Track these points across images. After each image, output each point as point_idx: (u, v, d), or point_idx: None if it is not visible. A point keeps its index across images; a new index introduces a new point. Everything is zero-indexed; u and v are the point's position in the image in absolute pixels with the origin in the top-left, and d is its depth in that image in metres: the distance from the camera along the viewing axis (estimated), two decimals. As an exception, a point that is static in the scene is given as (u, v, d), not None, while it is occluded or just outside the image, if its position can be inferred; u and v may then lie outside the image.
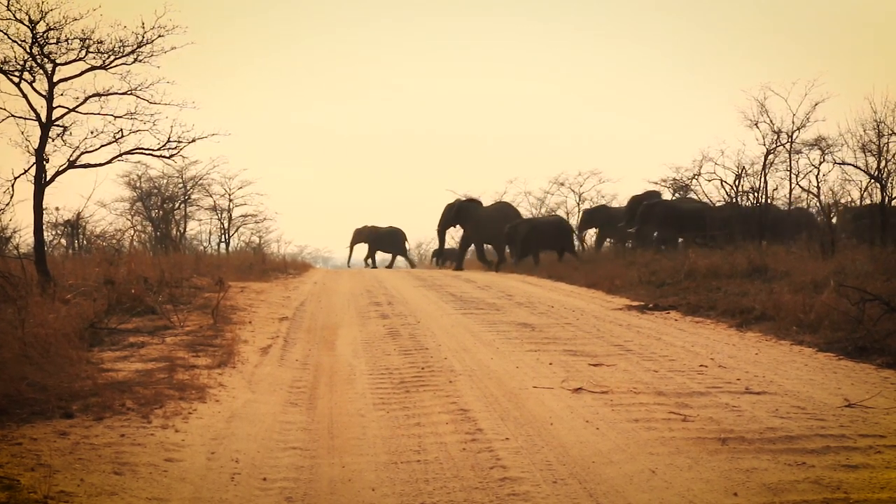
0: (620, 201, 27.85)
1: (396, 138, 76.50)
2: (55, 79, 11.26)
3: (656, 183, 26.48)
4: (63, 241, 20.29)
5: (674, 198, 25.22)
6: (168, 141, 12.27)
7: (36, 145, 11.26)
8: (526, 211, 30.89)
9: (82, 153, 11.68)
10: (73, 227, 19.80)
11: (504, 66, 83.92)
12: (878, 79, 61.23)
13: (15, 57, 10.98)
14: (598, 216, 27.01)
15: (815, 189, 21.77)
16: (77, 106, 11.51)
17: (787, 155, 21.74)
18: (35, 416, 5.43)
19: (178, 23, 11.77)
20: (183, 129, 12.33)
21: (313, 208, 61.40)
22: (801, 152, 21.74)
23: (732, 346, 8.77)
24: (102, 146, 11.90)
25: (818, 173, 21.72)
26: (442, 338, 9.48)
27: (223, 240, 27.95)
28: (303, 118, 78.67)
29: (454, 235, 31.30)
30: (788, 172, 22.10)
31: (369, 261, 32.51)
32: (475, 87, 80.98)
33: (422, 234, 44.04)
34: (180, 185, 25.85)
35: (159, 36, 11.62)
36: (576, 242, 27.31)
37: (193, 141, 12.41)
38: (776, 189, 22.84)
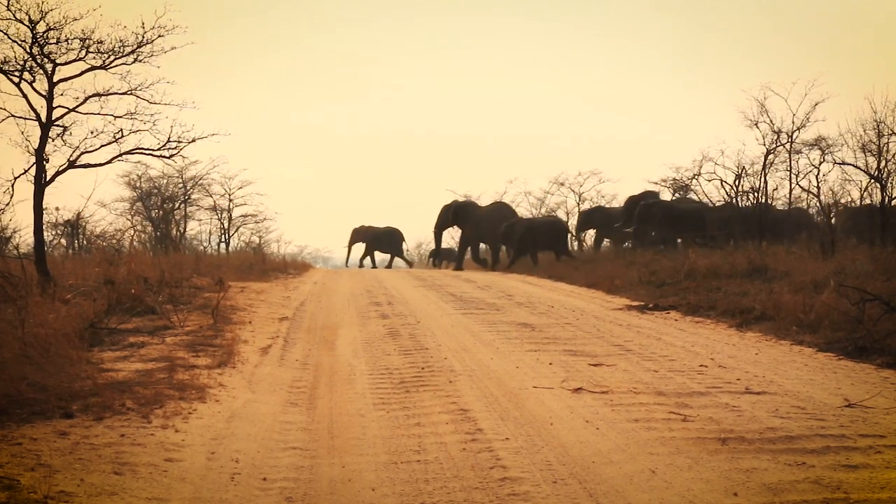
0: (620, 201, 27.87)
1: (396, 138, 76.52)
2: (55, 79, 11.27)
3: (656, 183, 26.51)
4: (63, 241, 20.30)
5: (673, 198, 25.23)
6: (168, 141, 12.28)
7: (36, 145, 11.26)
8: (526, 211, 30.96)
9: (82, 153, 11.70)
10: (73, 227, 19.80)
11: (504, 66, 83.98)
12: (878, 79, 61.25)
13: (15, 57, 10.99)
14: (595, 217, 27.01)
15: (815, 189, 21.80)
16: (77, 106, 11.52)
17: (787, 155, 21.76)
18: (35, 416, 5.43)
19: (178, 23, 11.79)
20: (183, 129, 12.35)
21: (313, 208, 61.41)
22: (801, 152, 21.76)
23: (732, 346, 8.77)
24: (102, 146, 11.91)
25: (818, 173, 21.74)
26: (442, 338, 9.48)
27: (223, 240, 27.97)
28: (303, 118, 78.70)
29: (454, 235, 31.33)
30: (788, 172, 22.12)
31: (366, 260, 32.41)
32: (475, 87, 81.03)
33: (422, 234, 44.00)
34: (180, 185, 25.86)
35: (159, 36, 11.63)
36: (572, 243, 27.38)
37: (193, 141, 12.43)
38: (776, 189, 22.87)
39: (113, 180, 30.05)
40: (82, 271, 11.71)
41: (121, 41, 11.47)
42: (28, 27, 10.95)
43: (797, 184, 22.28)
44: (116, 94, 11.76)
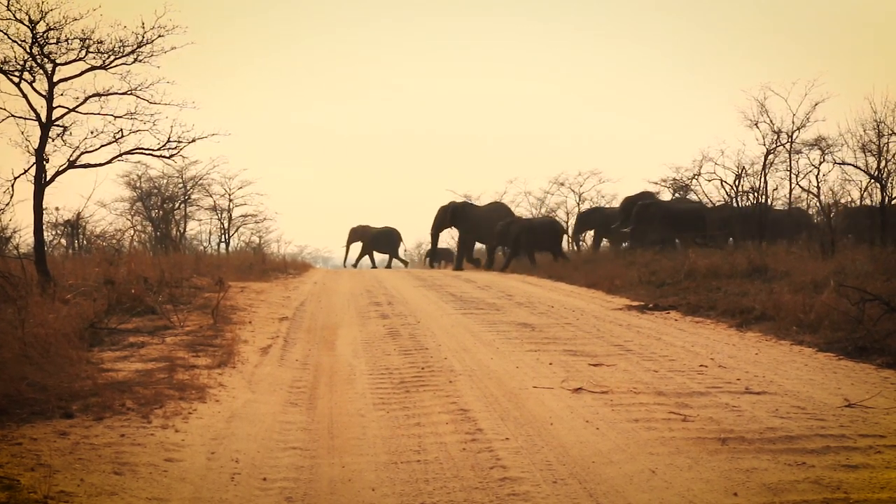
0: (619, 202, 27.88)
1: (396, 138, 76.49)
2: (55, 79, 11.27)
3: (656, 183, 26.53)
4: (63, 241, 20.32)
5: (673, 198, 25.23)
6: (168, 141, 12.28)
7: (36, 145, 11.26)
8: (526, 211, 30.97)
9: (82, 153, 11.70)
10: (73, 227, 19.81)
11: (504, 66, 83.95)
12: (878, 79, 61.27)
13: (15, 57, 10.99)
14: (593, 218, 27.00)
15: (815, 189, 21.80)
16: (77, 106, 11.52)
17: (787, 155, 21.77)
18: (35, 416, 5.43)
19: (178, 23, 11.80)
20: (183, 129, 12.35)
21: (313, 208, 61.36)
22: (801, 152, 21.79)
23: (732, 346, 8.77)
24: (102, 146, 11.91)
25: (818, 173, 21.77)
26: (442, 338, 9.48)
27: (223, 240, 27.98)
28: (303, 118, 78.66)
29: (453, 235, 31.32)
30: (788, 172, 22.14)
31: (361, 260, 32.27)
32: (475, 87, 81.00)
33: (422, 235, 43.97)
34: (180, 185, 25.87)
35: (159, 36, 11.63)
36: (571, 244, 27.39)
37: (193, 141, 12.43)
38: (776, 189, 22.89)
39: (113, 180, 30.12)
40: (82, 271, 11.71)
41: (121, 41, 11.49)
42: (28, 27, 10.96)
43: (797, 184, 22.32)
44: (116, 94, 11.77)
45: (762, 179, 21.77)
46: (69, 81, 11.40)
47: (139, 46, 11.56)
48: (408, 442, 5.27)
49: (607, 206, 28.56)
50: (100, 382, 6.27)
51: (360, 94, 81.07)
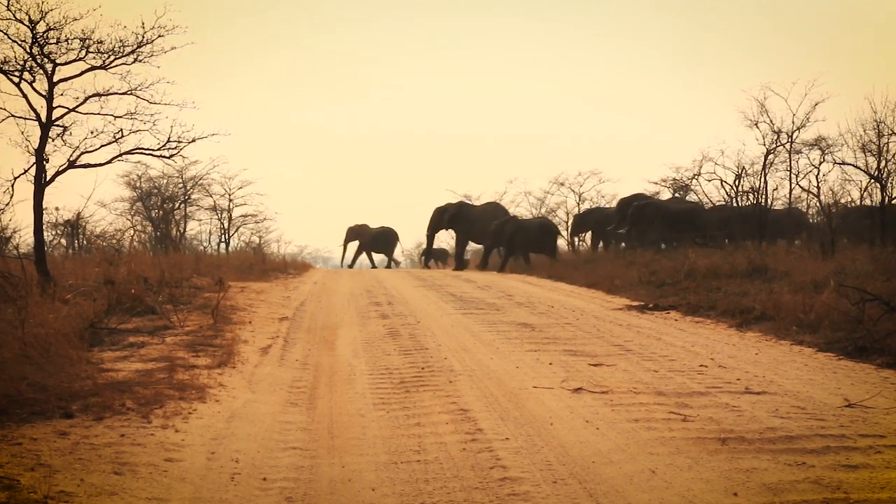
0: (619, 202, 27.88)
1: (396, 138, 76.30)
2: (55, 79, 11.27)
3: (656, 183, 26.53)
4: (63, 241, 20.32)
5: (669, 199, 25.22)
6: (168, 141, 12.28)
7: (36, 145, 11.26)
8: (525, 211, 30.99)
9: (82, 153, 11.70)
10: (73, 227, 19.81)
11: (504, 66, 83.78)
12: (878, 79, 61.22)
13: (15, 57, 11.00)
14: (590, 219, 26.97)
15: (815, 189, 21.81)
16: (77, 106, 11.52)
17: (787, 155, 21.77)
18: (35, 416, 5.43)
19: (178, 23, 11.79)
20: (183, 129, 12.35)
21: (313, 208, 61.18)
22: (801, 152, 21.79)
23: (732, 346, 8.77)
24: (102, 146, 11.91)
25: (818, 173, 21.77)
26: (442, 338, 9.48)
27: (223, 240, 27.98)
28: (303, 118, 78.45)
29: (452, 236, 31.32)
30: (788, 172, 22.14)
31: (357, 260, 32.21)
32: (475, 87, 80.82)
33: (422, 235, 43.98)
34: (180, 185, 25.87)
35: (159, 36, 11.63)
36: (569, 245, 27.37)
37: (193, 141, 12.43)
38: (776, 189, 22.88)
39: (113, 180, 30.07)
40: (82, 271, 11.71)
41: (121, 41, 11.49)
42: (28, 27, 10.96)
43: (797, 184, 22.32)
44: (116, 94, 11.77)
45: (762, 179, 21.79)
46: (69, 81, 11.42)
47: (139, 46, 11.57)
48: (408, 442, 5.28)
49: (606, 206, 28.56)
50: (100, 382, 6.27)
51: (360, 94, 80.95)
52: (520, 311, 12.14)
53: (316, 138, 75.29)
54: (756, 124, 21.41)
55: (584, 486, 4.38)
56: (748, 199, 22.17)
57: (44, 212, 11.65)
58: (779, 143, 21.50)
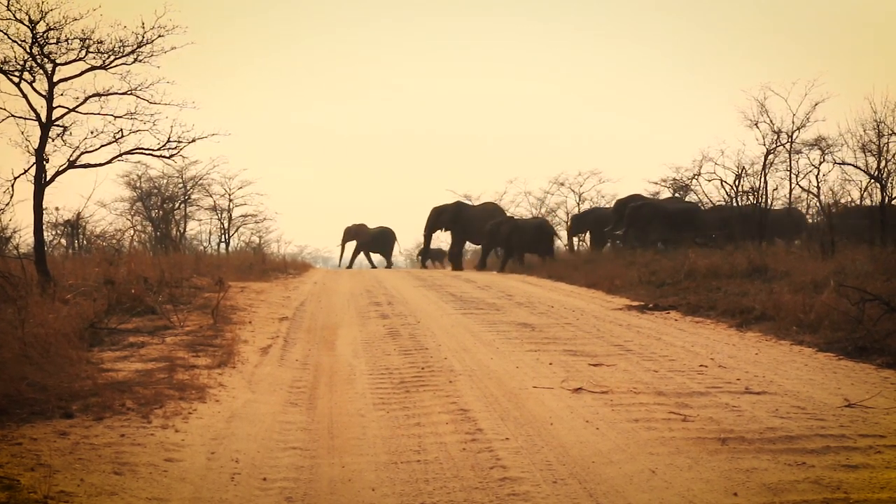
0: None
1: (396, 138, 76.34)
2: (55, 79, 11.28)
3: (656, 183, 26.53)
4: (63, 241, 20.32)
5: (667, 199, 25.22)
6: (168, 141, 12.29)
7: (36, 145, 11.27)
8: (525, 211, 31.00)
9: (82, 153, 11.71)
10: (73, 227, 19.82)
11: (504, 66, 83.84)
12: (878, 79, 61.24)
13: (15, 57, 11.00)
14: (588, 219, 26.95)
15: (815, 189, 21.81)
16: (77, 106, 11.52)
17: (787, 155, 21.78)
18: (35, 416, 5.43)
19: (178, 23, 11.81)
20: (183, 129, 12.36)
21: (313, 208, 61.24)
22: (801, 152, 21.81)
23: (732, 346, 8.77)
24: (102, 146, 11.92)
25: (818, 173, 21.78)
26: (442, 338, 9.48)
27: (223, 240, 27.99)
28: (303, 118, 78.50)
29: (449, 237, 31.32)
30: (788, 172, 22.15)
31: (356, 260, 32.16)
32: (475, 87, 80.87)
33: (421, 235, 43.98)
34: (180, 185, 25.89)
35: (159, 36, 11.64)
36: (568, 245, 27.36)
37: (193, 141, 12.44)
38: (776, 189, 22.88)
39: (113, 180, 30.10)
40: (82, 271, 11.71)
41: (121, 41, 11.50)
42: (28, 27, 10.97)
43: (797, 184, 22.33)
44: (116, 94, 11.78)
45: (762, 179, 21.79)
46: (69, 81, 11.43)
47: (139, 46, 11.58)
48: (408, 442, 5.27)
49: (605, 206, 28.56)
50: (100, 382, 6.27)
51: (360, 94, 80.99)
52: (520, 311, 12.14)
53: (316, 138, 75.36)
54: (756, 124, 21.45)
55: (584, 486, 4.39)
56: (748, 199, 22.18)
57: (44, 212, 11.66)
58: (779, 143, 21.53)
